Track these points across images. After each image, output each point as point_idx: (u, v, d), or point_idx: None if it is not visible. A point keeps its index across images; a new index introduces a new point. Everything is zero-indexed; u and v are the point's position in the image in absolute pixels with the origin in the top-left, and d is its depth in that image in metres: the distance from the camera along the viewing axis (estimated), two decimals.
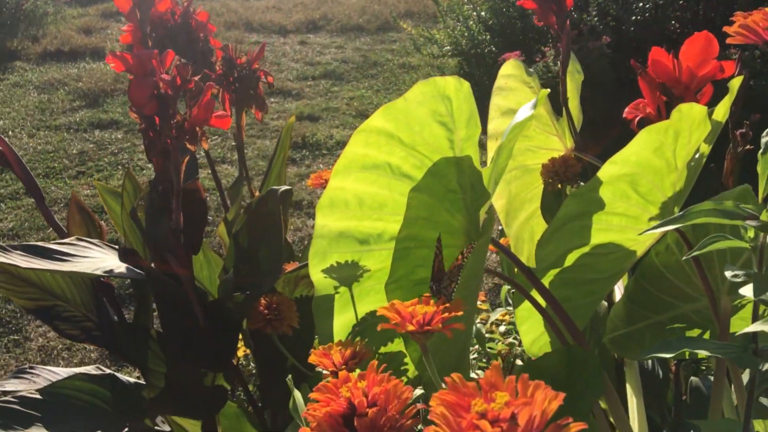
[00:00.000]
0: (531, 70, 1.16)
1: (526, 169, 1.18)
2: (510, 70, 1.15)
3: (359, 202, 0.90)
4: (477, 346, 1.37)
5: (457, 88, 0.84)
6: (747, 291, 0.60)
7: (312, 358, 0.73)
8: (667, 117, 0.93)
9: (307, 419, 0.47)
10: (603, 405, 1.25)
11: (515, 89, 1.15)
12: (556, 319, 0.89)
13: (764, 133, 0.59)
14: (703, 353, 0.64)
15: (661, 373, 1.26)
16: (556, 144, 1.18)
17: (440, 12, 4.37)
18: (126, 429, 1.12)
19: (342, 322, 0.95)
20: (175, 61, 1.25)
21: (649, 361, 1.27)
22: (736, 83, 0.85)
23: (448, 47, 4.32)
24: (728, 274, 0.63)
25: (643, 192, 0.83)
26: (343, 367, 0.74)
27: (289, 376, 0.70)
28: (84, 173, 3.30)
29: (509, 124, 0.88)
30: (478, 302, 1.43)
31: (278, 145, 1.30)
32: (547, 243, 0.87)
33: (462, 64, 4.32)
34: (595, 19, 3.57)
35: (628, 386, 1.17)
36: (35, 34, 5.25)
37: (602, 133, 2.34)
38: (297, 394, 0.68)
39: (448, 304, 0.58)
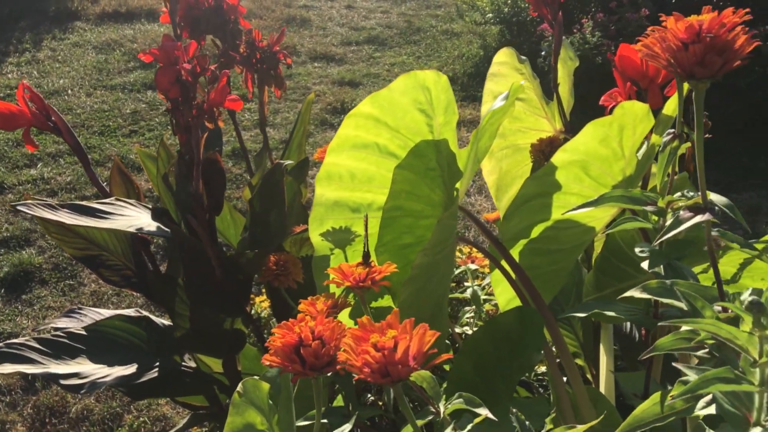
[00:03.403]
0: (523, 57, 1.26)
1: (516, 148, 1.30)
2: (503, 57, 1.27)
3: (351, 176, 1.04)
4: (474, 307, 1.50)
5: (435, 81, 0.97)
6: (645, 264, 0.73)
7: (301, 306, 0.88)
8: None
9: (268, 348, 0.63)
10: (581, 362, 1.39)
11: (507, 75, 1.26)
12: (520, 283, 1.02)
13: (665, 134, 0.71)
14: (611, 314, 0.77)
15: (637, 335, 1.38)
16: (545, 125, 1.29)
17: None
18: (157, 364, 1.30)
19: None
20: (207, 41, 1.40)
21: (627, 325, 1.39)
22: None
23: (491, 14, 4.36)
24: (637, 250, 0.76)
25: (595, 176, 0.94)
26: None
27: (274, 320, 0.85)
28: (136, 132, 3.51)
29: (487, 110, 1.01)
30: (478, 267, 1.56)
31: (298, 119, 1.44)
32: (511, 217, 0.99)
33: (504, 31, 4.37)
34: None
35: (601, 346, 1.29)
36: None
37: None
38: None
39: (379, 268, 0.72)
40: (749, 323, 0.44)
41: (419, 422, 0.63)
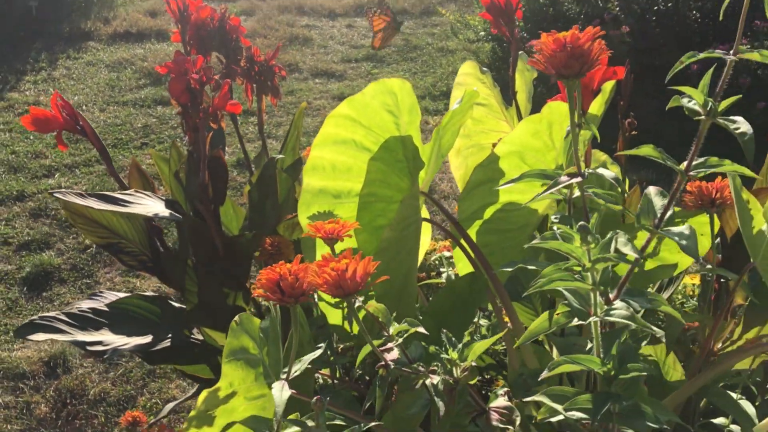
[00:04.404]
0: (485, 69, 1.47)
1: (480, 147, 1.50)
2: (467, 69, 1.47)
3: (333, 167, 1.24)
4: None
5: (400, 87, 1.17)
6: (556, 227, 0.92)
7: None
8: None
9: (255, 284, 0.82)
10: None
11: (471, 84, 1.46)
12: (474, 256, 1.22)
13: (567, 126, 0.90)
14: (532, 267, 0.96)
15: None
16: (505, 127, 1.49)
17: None
18: (169, 335, 1.49)
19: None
20: (212, 57, 1.61)
21: None
22: (608, 86, 1.15)
23: (483, 33, 4.58)
24: (553, 217, 0.95)
25: (531, 164, 1.14)
26: None
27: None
28: (147, 144, 3.72)
29: (449, 110, 1.21)
30: (452, 255, 1.75)
31: (292, 125, 1.65)
32: (464, 200, 1.19)
33: (495, 48, 4.58)
34: (617, 9, 3.79)
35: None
36: (106, 16, 5.73)
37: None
38: None
39: (344, 223, 0.92)
40: (578, 240, 0.63)
41: (375, 342, 0.83)
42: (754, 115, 3.20)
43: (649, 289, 1.38)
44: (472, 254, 1.21)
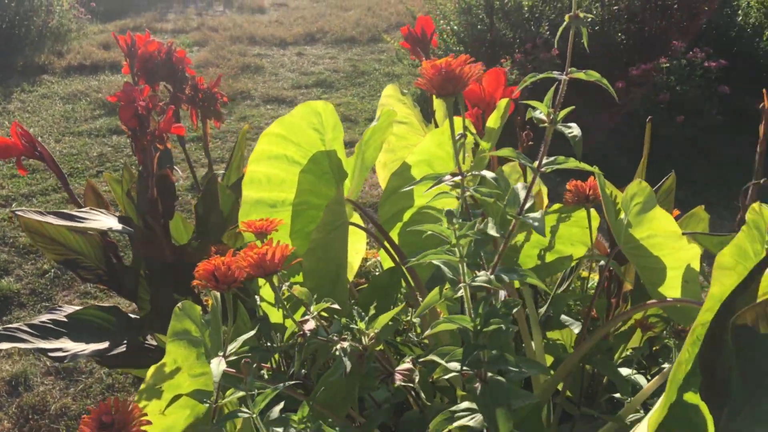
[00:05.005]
0: (405, 91, 1.65)
1: (403, 160, 1.67)
2: (389, 92, 1.64)
3: (268, 180, 1.39)
4: None
5: (324, 108, 1.34)
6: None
7: None
8: (482, 124, 1.43)
9: (194, 274, 0.97)
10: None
11: (392, 105, 1.64)
12: (395, 254, 1.38)
13: (457, 135, 1.08)
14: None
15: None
16: None
17: None
18: (125, 342, 1.62)
19: None
20: (161, 86, 1.76)
21: None
22: (503, 103, 1.34)
23: None
24: (445, 211, 1.12)
25: (438, 170, 1.31)
26: None
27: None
28: (102, 172, 3.83)
29: (369, 127, 1.38)
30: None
31: (236, 147, 1.81)
32: (384, 205, 1.36)
33: None
34: (548, 33, 4.04)
35: None
36: (60, 49, 5.82)
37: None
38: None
39: (272, 221, 1.08)
40: (446, 222, 0.79)
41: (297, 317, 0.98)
42: (673, 127, 3.45)
43: (553, 280, 1.56)
44: (392, 251, 1.37)
